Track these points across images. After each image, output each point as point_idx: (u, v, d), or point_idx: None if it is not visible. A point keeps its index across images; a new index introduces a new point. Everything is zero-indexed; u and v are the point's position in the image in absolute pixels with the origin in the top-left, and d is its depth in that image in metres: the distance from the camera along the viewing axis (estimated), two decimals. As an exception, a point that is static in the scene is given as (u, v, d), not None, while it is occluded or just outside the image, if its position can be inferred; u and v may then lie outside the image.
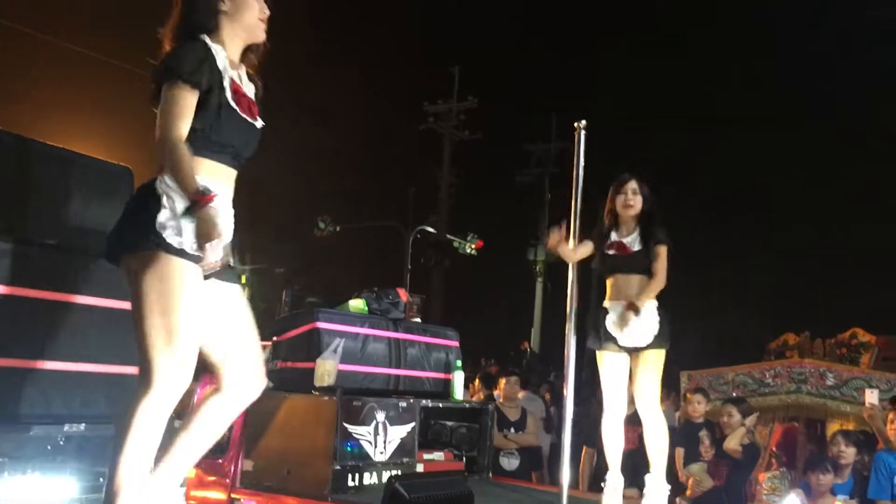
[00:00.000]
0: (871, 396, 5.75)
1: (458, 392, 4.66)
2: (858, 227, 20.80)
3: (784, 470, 6.51)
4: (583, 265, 4.55)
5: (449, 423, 4.67)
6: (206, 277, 2.54)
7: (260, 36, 2.73)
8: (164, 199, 2.43)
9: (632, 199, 4.39)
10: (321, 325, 4.07)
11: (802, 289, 19.78)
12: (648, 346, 4.24)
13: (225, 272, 2.62)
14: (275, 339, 4.22)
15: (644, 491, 4.24)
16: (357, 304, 4.46)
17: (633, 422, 4.54)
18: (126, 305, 2.96)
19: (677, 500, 5.25)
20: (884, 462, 5.03)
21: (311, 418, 3.86)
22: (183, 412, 2.78)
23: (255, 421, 3.85)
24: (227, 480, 3.95)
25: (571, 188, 4.52)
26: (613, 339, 4.28)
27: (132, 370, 2.91)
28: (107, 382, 2.93)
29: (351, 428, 3.79)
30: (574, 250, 4.44)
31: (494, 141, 22.62)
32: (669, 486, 4.26)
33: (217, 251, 2.41)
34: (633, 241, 4.37)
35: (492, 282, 23.47)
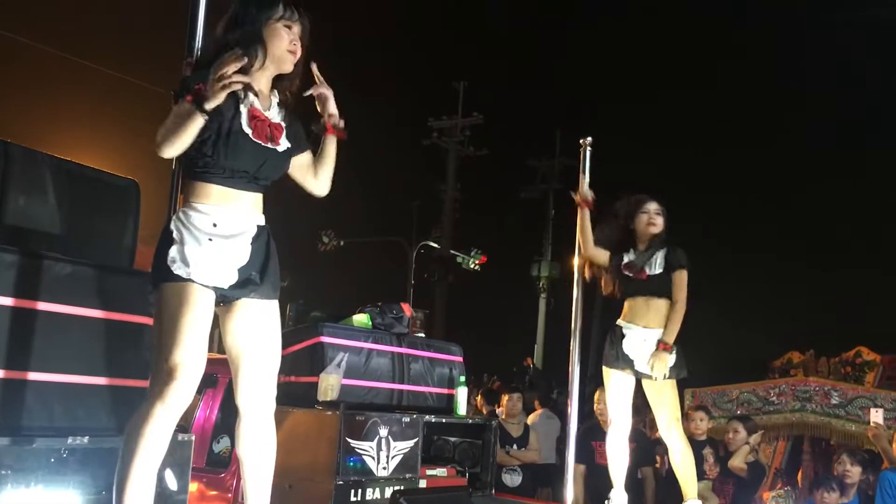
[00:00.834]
0: (877, 416, 5.71)
1: (462, 408, 4.66)
2: (863, 245, 20.78)
3: (789, 489, 6.47)
4: (587, 281, 4.55)
5: (452, 439, 4.66)
6: (232, 296, 2.65)
7: (287, 67, 2.77)
8: (175, 234, 2.57)
9: (655, 218, 4.35)
10: (325, 339, 4.07)
11: (807, 307, 19.73)
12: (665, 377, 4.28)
13: (259, 289, 2.69)
14: (278, 353, 4.22)
15: None
16: (361, 318, 4.46)
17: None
18: (130, 318, 3.00)
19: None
20: (889, 482, 5.01)
21: (313, 433, 3.86)
22: (187, 427, 2.79)
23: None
24: (230, 495, 3.94)
25: (576, 205, 4.53)
26: (629, 362, 4.28)
27: (136, 383, 2.92)
28: (111, 395, 2.92)
29: (354, 443, 3.78)
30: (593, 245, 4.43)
31: (499, 157, 22.68)
32: None
33: (221, 271, 2.54)
34: (650, 264, 4.32)
35: (495, 297, 23.46)
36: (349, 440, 3.76)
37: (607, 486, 4.43)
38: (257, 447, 2.75)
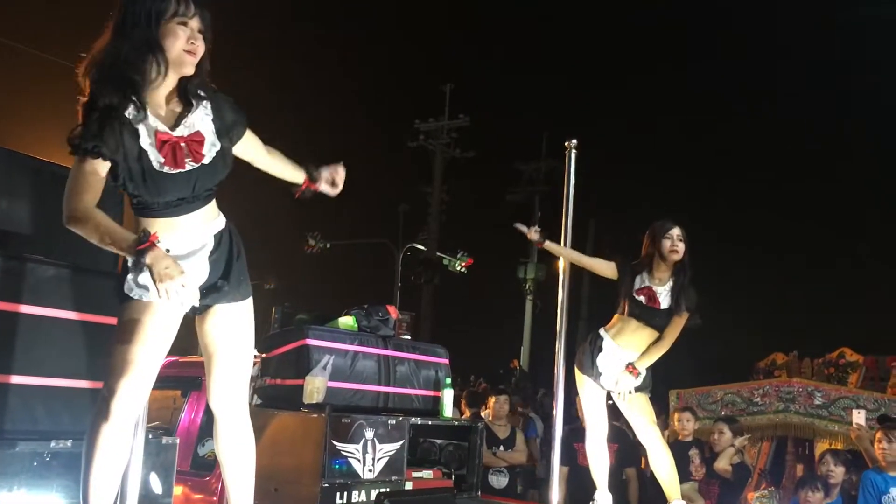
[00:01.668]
0: (859, 417, 5.76)
1: (448, 410, 4.66)
2: (847, 248, 20.95)
3: (773, 489, 6.51)
4: (572, 283, 4.56)
5: (438, 441, 4.66)
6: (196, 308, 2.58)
7: (188, 70, 2.46)
8: (130, 261, 2.45)
9: (678, 244, 4.30)
10: (311, 341, 4.06)
11: (791, 308, 19.87)
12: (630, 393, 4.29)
13: (227, 294, 2.62)
14: (264, 355, 4.21)
15: None
16: (347, 321, 4.45)
17: (608, 439, 4.58)
18: (113, 321, 2.97)
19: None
20: (871, 481, 5.05)
21: (299, 435, 3.85)
22: (172, 430, 2.77)
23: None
24: (215, 499, 3.93)
25: (562, 207, 4.54)
26: (598, 374, 4.31)
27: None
28: (94, 399, 2.91)
29: (339, 445, 3.77)
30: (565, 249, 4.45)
31: (485, 159, 22.73)
32: None
33: (184, 291, 2.35)
34: (664, 295, 4.29)
35: (481, 300, 23.48)
36: (335, 443, 3.75)
37: (590, 487, 4.45)
38: (234, 448, 2.74)
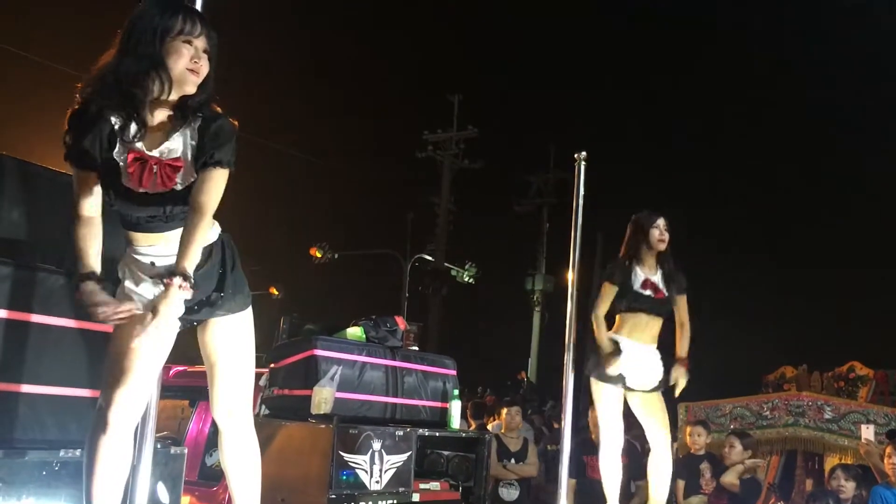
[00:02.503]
0: (867, 432, 5.73)
1: (456, 421, 4.65)
2: (857, 261, 20.85)
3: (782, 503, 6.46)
4: (581, 295, 4.56)
5: (445, 453, 4.64)
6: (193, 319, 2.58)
7: (190, 88, 2.42)
8: (121, 274, 2.53)
9: (665, 234, 4.41)
10: (319, 352, 4.07)
11: (800, 322, 19.78)
12: (653, 389, 4.32)
13: (222, 306, 2.60)
14: (272, 365, 4.22)
15: None
16: (355, 331, 4.45)
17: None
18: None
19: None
20: (881, 497, 5.02)
21: (306, 446, 3.85)
22: (180, 440, 2.78)
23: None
24: (222, 508, 3.92)
25: (570, 218, 4.54)
26: (622, 378, 4.31)
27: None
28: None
29: (347, 456, 3.77)
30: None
31: (493, 170, 22.75)
32: None
33: (136, 315, 2.38)
34: (660, 283, 4.40)
35: (489, 311, 23.46)
36: (342, 453, 3.75)
37: (598, 500, 4.42)
38: (238, 459, 2.73)
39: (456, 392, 4.69)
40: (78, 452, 2.75)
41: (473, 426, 7.56)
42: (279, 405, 4.10)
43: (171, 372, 4.57)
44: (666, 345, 4.48)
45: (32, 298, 2.81)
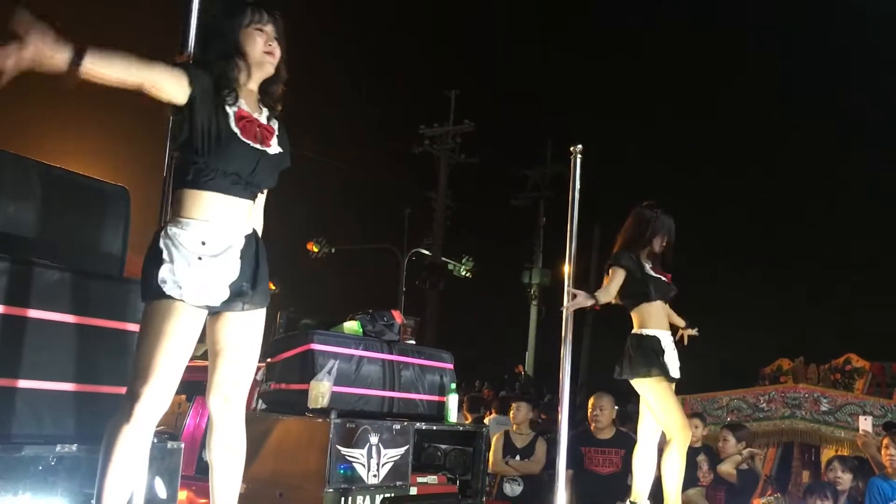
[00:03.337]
0: (865, 423, 5.74)
1: (453, 415, 4.65)
2: (853, 253, 20.89)
3: (779, 496, 6.48)
4: (577, 288, 4.55)
5: (443, 447, 4.65)
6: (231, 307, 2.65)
7: (269, 70, 2.74)
8: (164, 254, 2.52)
9: (668, 243, 4.56)
10: (315, 346, 4.06)
11: (797, 314, 19.82)
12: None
13: (250, 299, 2.67)
14: (269, 360, 4.21)
15: None
16: (352, 325, 4.45)
17: (615, 444, 4.58)
18: (119, 326, 2.99)
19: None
20: (878, 488, 5.03)
21: (304, 440, 3.85)
22: (177, 434, 2.78)
23: (247, 443, 3.83)
24: None
25: (567, 212, 4.54)
26: (667, 371, 4.37)
27: (125, 391, 2.91)
28: (100, 403, 2.91)
29: (344, 450, 3.77)
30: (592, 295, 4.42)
31: (490, 165, 22.73)
32: None
33: (213, 290, 2.52)
34: (660, 267, 4.53)
35: (486, 305, 23.46)
36: (339, 447, 3.75)
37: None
38: (226, 448, 2.73)
39: (453, 386, 4.70)
40: (75, 447, 2.75)
41: (469, 420, 7.56)
42: (276, 400, 4.10)
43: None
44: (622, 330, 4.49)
45: (29, 293, 2.81)
